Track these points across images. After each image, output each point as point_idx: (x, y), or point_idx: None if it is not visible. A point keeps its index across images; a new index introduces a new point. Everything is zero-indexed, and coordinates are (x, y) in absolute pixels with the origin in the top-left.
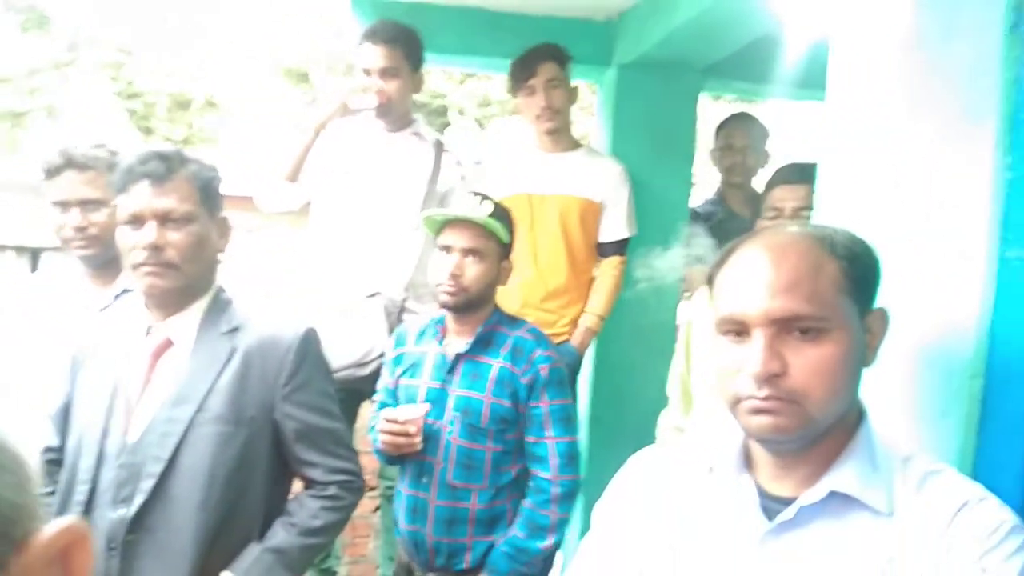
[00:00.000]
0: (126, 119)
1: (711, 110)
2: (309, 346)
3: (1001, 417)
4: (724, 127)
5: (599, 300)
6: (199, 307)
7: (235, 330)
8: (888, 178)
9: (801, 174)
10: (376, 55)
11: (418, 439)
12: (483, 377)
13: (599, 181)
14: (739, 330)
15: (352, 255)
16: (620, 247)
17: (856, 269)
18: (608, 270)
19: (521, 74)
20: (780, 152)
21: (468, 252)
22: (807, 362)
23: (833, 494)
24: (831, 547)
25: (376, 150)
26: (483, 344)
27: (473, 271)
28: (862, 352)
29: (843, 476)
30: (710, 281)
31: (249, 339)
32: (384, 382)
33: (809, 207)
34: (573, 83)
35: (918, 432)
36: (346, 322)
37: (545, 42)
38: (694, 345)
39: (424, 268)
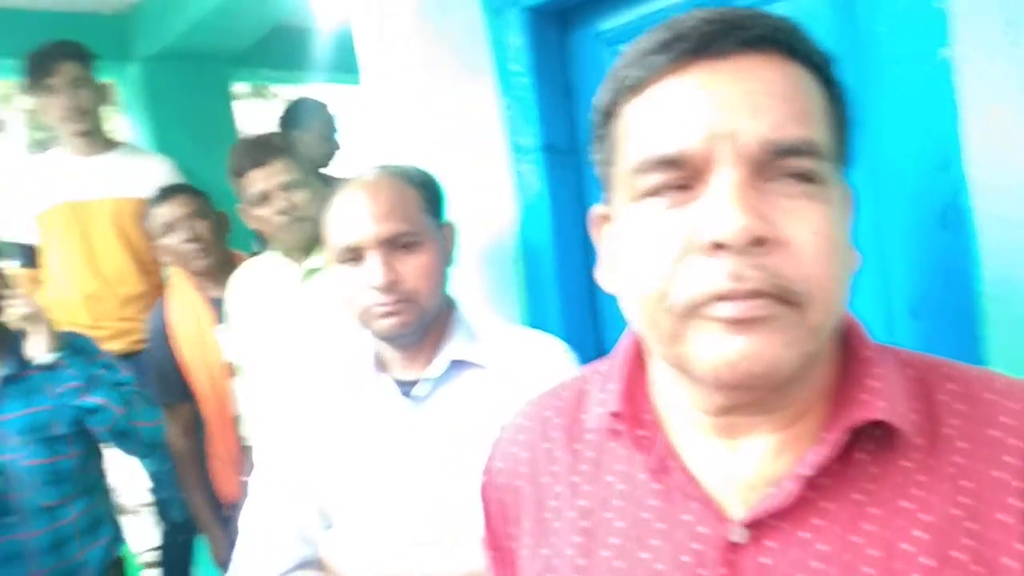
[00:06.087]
0: None
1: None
2: None
3: (537, 285)
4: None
5: None
6: None
7: None
8: (428, 125)
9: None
10: None
11: None
12: (40, 387)
13: (149, 179)
14: (355, 256)
15: None
16: None
17: (429, 193)
18: None
19: (38, 73)
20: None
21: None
22: (413, 268)
23: (452, 363)
24: (458, 402)
25: None
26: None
27: None
28: (446, 256)
29: (454, 347)
30: (322, 227)
31: None
32: None
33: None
34: (102, 81)
35: (498, 307)
36: None
37: (62, 39)
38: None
39: None
